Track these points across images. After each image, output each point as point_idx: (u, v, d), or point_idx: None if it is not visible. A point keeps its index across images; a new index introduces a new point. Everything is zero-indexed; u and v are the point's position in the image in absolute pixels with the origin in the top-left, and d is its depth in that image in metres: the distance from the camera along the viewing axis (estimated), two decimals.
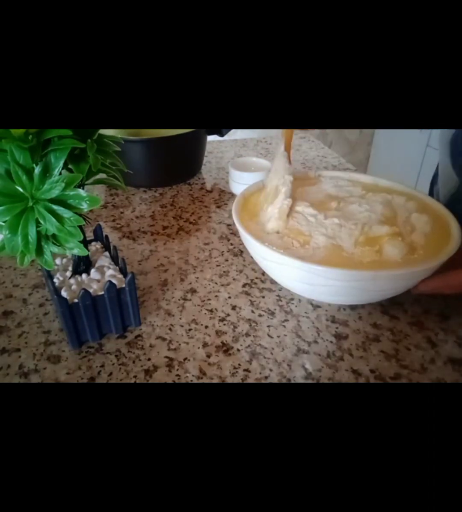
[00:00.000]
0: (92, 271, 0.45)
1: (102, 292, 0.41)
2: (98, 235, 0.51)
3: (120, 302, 0.42)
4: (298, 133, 1.07)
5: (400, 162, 2.12)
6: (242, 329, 0.45)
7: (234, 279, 0.53)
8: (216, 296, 0.50)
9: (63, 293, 0.41)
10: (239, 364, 0.41)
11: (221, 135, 0.83)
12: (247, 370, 0.41)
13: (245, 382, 0.39)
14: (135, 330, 0.45)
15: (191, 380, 0.40)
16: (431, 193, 0.73)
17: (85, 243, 0.44)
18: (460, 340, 0.44)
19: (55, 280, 0.44)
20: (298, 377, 0.40)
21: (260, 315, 0.47)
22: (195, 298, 0.50)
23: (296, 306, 0.49)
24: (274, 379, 0.40)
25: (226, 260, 0.57)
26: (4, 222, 0.36)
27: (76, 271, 0.45)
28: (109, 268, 0.45)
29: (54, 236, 0.38)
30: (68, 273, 0.45)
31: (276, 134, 1.06)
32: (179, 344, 0.43)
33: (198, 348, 0.43)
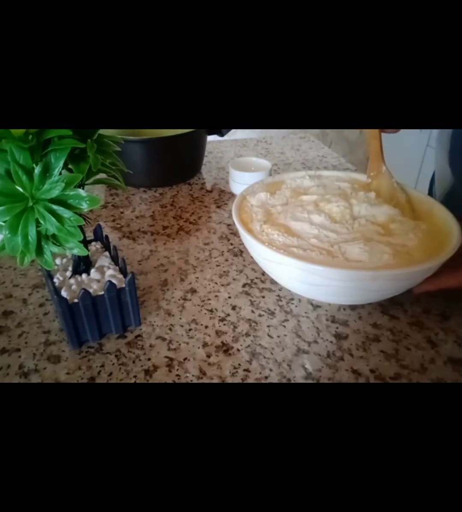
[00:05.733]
0: (92, 271, 0.45)
1: (102, 292, 0.41)
2: (98, 235, 0.51)
3: (120, 302, 0.42)
4: (297, 133, 1.07)
5: (400, 162, 2.11)
6: (242, 329, 0.45)
7: (234, 279, 0.53)
8: (216, 296, 0.50)
9: (63, 293, 0.41)
10: (239, 364, 0.41)
11: (221, 135, 0.83)
12: (247, 370, 0.41)
13: (245, 382, 0.39)
14: (135, 330, 0.45)
15: (191, 380, 0.40)
16: (430, 192, 0.73)
17: (85, 243, 0.44)
18: (460, 340, 0.44)
19: (55, 280, 0.44)
20: (298, 377, 0.40)
21: (260, 315, 0.47)
22: (195, 298, 0.50)
23: (296, 306, 0.48)
24: (274, 379, 0.40)
25: (227, 260, 0.57)
26: (4, 222, 0.36)
27: (76, 271, 0.45)
28: (109, 268, 0.45)
29: (54, 236, 0.38)
30: (68, 273, 0.45)
31: (275, 134, 1.06)
32: (179, 344, 0.43)
33: (198, 348, 0.43)
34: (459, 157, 0.59)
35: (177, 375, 0.40)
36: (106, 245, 0.50)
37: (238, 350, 0.43)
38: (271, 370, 0.41)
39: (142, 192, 0.76)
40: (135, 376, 0.40)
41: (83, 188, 0.39)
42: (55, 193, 0.35)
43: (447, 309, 0.48)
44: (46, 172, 0.36)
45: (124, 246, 0.60)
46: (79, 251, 0.39)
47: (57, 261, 0.46)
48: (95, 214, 0.69)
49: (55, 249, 0.38)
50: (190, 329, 0.45)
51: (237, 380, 0.40)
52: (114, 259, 0.47)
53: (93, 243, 0.50)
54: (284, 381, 0.40)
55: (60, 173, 0.36)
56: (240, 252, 0.59)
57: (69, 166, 0.38)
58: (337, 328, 0.46)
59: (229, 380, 0.40)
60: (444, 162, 0.61)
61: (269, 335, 0.45)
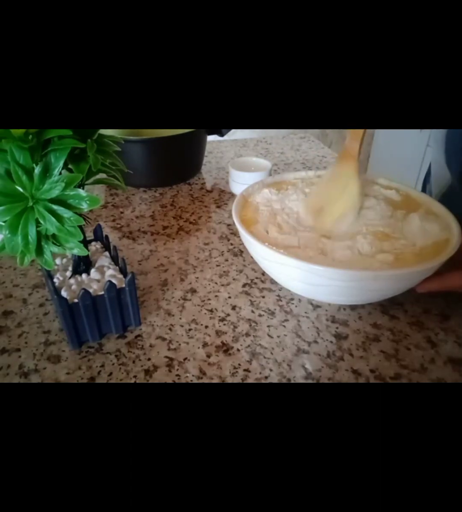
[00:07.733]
0: (92, 271, 0.45)
1: (102, 292, 0.41)
2: (98, 235, 0.51)
3: (120, 302, 0.42)
4: (297, 133, 1.07)
5: (400, 162, 2.12)
6: (242, 329, 0.45)
7: (234, 279, 0.53)
8: (216, 296, 0.50)
9: (63, 293, 0.41)
10: (239, 364, 0.41)
11: (221, 135, 0.83)
12: (247, 370, 0.41)
13: (245, 382, 0.39)
14: (135, 330, 0.45)
15: (191, 380, 0.40)
16: (424, 189, 0.73)
17: (85, 243, 0.44)
18: (460, 340, 0.44)
19: (55, 280, 0.44)
20: (298, 377, 0.40)
21: (260, 315, 0.47)
22: (195, 298, 0.50)
23: (296, 306, 0.48)
24: (274, 379, 0.40)
25: (227, 260, 0.57)
26: (4, 222, 0.36)
27: (76, 271, 0.45)
28: (109, 268, 0.45)
29: (54, 236, 0.38)
30: (68, 273, 0.45)
31: (275, 134, 1.06)
32: (179, 344, 0.43)
33: (198, 348, 0.43)
34: (454, 156, 0.59)
35: (177, 375, 0.40)
36: (106, 245, 0.50)
37: (238, 350, 0.43)
38: (271, 370, 0.41)
39: (142, 192, 0.76)
40: (135, 376, 0.40)
41: (83, 188, 0.39)
42: (55, 193, 0.35)
43: (447, 309, 0.48)
44: (46, 172, 0.36)
45: (124, 246, 0.60)
46: (79, 251, 0.39)
47: (57, 261, 0.46)
48: (95, 214, 0.69)
49: (55, 249, 0.38)
50: (190, 329, 0.45)
51: (237, 380, 0.40)
52: (114, 259, 0.47)
53: (93, 243, 0.50)
54: (284, 381, 0.40)
55: (60, 173, 0.36)
56: (240, 252, 0.59)
57: (69, 166, 0.38)
58: (337, 328, 0.46)
59: (230, 380, 0.40)
60: (441, 161, 0.61)
61: (269, 335, 0.45)
